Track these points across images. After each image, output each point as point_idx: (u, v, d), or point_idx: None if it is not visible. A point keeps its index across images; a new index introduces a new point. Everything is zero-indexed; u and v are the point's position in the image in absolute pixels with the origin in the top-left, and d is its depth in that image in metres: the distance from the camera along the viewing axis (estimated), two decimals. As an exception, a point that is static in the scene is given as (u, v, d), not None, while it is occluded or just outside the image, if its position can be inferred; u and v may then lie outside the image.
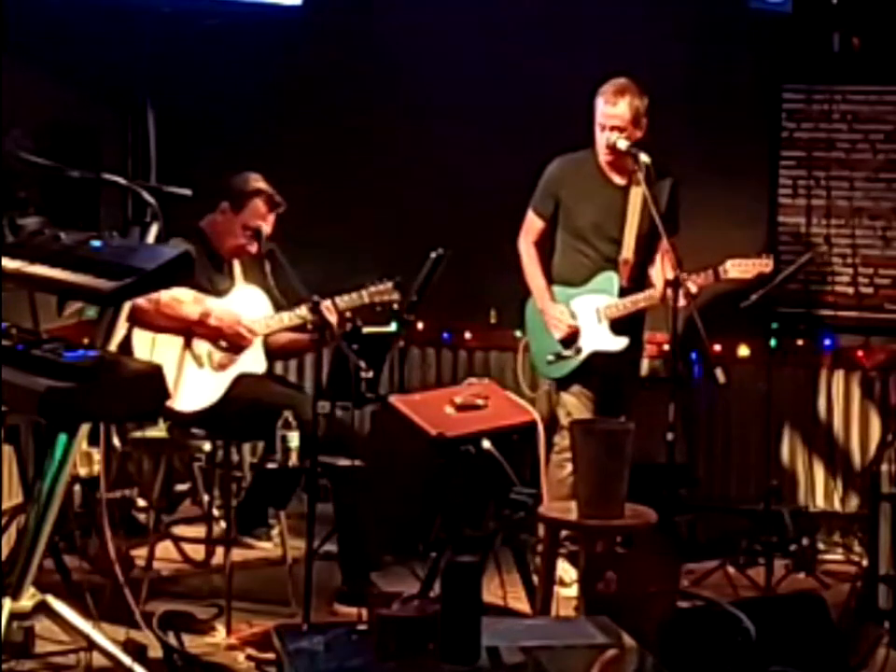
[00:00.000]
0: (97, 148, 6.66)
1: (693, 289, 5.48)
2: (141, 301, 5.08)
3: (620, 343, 5.71)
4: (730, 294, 5.92)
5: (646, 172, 5.47)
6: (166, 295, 5.21)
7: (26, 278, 4.12)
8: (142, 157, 6.85)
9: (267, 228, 5.46)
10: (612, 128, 5.58)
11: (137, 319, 5.17)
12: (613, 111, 5.58)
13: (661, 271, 5.61)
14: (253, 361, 5.44)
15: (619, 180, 5.72)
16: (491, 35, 6.65)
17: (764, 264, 5.78)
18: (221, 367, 5.39)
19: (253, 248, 5.48)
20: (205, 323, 5.34)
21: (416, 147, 6.77)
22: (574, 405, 5.68)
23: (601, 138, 5.63)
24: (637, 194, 5.64)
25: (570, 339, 5.71)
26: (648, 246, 5.71)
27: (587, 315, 5.71)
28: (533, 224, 5.82)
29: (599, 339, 5.70)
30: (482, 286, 6.70)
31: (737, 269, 5.71)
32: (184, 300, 5.32)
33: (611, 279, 5.70)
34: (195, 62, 6.79)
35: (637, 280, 5.75)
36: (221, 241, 5.51)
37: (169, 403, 5.10)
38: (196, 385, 5.32)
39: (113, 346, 4.45)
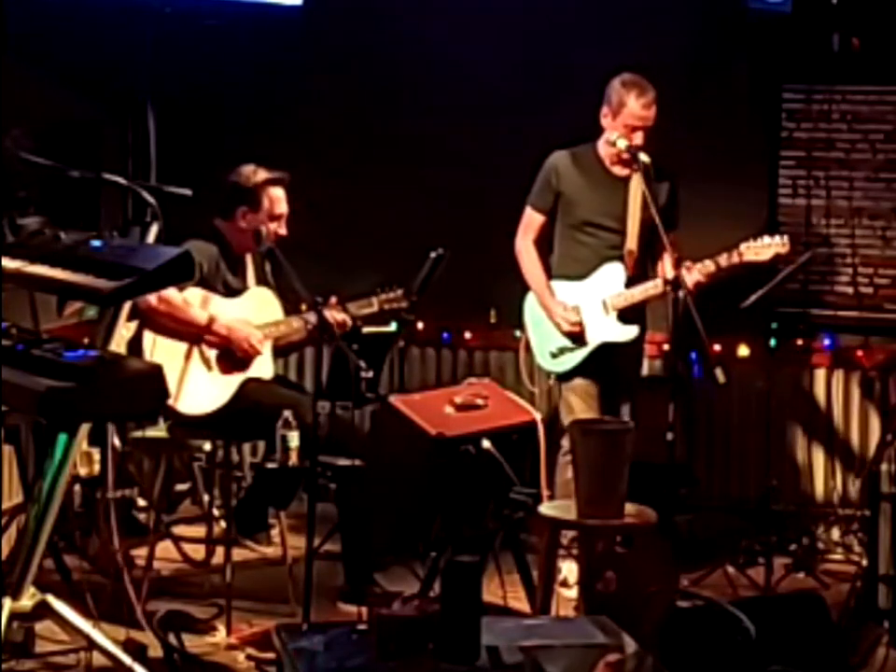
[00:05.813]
0: (97, 148, 6.66)
1: (693, 279, 5.42)
2: (153, 300, 5.09)
3: (629, 332, 5.64)
4: (730, 294, 5.91)
5: (645, 171, 5.46)
6: (178, 297, 5.20)
7: (26, 278, 4.12)
8: (142, 157, 6.85)
9: (285, 207, 5.45)
10: (644, 129, 5.54)
11: (148, 320, 5.17)
12: (649, 114, 5.54)
13: (668, 263, 5.50)
14: (261, 367, 5.41)
15: (619, 171, 5.69)
16: (490, 35, 6.65)
17: (781, 244, 5.64)
18: (229, 371, 5.37)
19: (283, 230, 5.45)
20: (214, 331, 5.31)
21: (416, 147, 6.76)
22: (577, 403, 5.62)
23: (629, 137, 5.52)
24: (637, 186, 5.59)
25: (576, 335, 5.67)
26: (650, 238, 5.63)
27: (593, 307, 5.65)
28: (532, 221, 5.78)
29: (607, 330, 5.64)
30: (482, 286, 6.69)
31: (752, 251, 5.60)
32: (193, 303, 5.30)
33: (618, 269, 5.64)
34: (195, 62, 6.78)
35: (641, 271, 5.70)
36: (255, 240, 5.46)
37: (175, 405, 5.14)
38: (203, 388, 5.28)
39: (123, 346, 4.43)
